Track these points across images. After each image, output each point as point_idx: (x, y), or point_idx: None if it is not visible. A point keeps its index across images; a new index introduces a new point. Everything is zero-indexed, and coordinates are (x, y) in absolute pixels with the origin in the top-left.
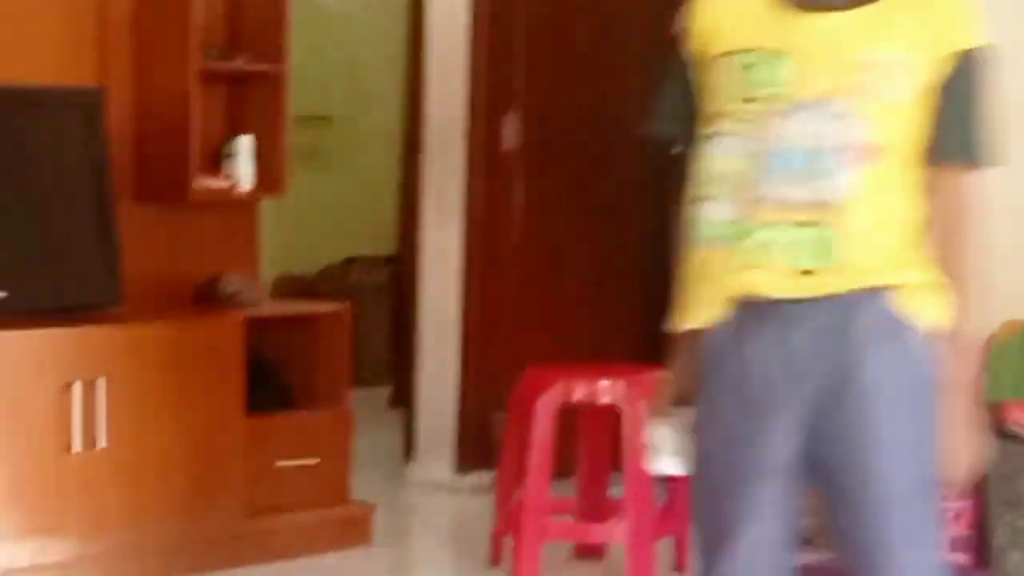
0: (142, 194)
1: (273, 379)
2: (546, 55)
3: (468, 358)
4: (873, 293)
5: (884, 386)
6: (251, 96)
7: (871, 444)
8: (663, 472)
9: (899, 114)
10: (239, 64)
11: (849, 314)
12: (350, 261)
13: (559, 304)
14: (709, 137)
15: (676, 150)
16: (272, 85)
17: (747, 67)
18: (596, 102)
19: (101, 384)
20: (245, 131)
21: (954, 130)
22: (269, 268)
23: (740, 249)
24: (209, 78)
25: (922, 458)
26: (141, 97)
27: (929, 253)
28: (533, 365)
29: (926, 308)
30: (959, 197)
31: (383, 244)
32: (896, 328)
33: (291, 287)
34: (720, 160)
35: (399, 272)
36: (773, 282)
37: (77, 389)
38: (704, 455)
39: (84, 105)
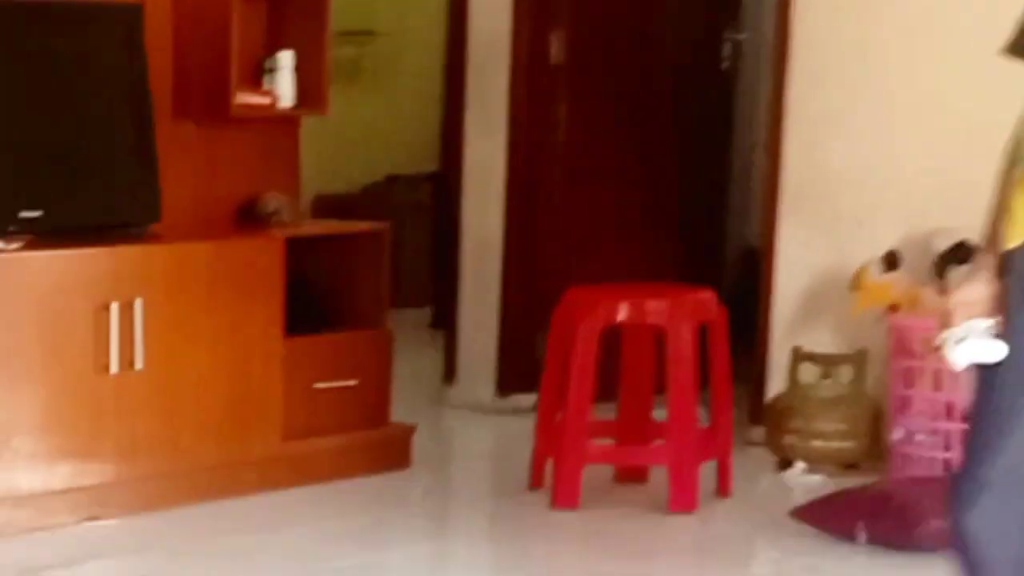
0: (181, 111)
1: (313, 299)
2: None
3: (510, 279)
4: None
5: None
6: (292, 10)
7: None
8: (970, 357)
9: None
10: None
11: None
12: (392, 179)
13: (602, 224)
14: None
15: None
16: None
17: None
18: (641, 19)
19: (138, 305)
20: (286, 46)
21: None
22: (310, 186)
23: None
24: None
25: None
26: (181, 12)
27: None
28: (575, 286)
29: None
30: None
31: (426, 162)
32: None
33: (332, 206)
34: None
35: (441, 190)
36: None
37: (114, 309)
38: (1007, 361)
39: (123, 21)
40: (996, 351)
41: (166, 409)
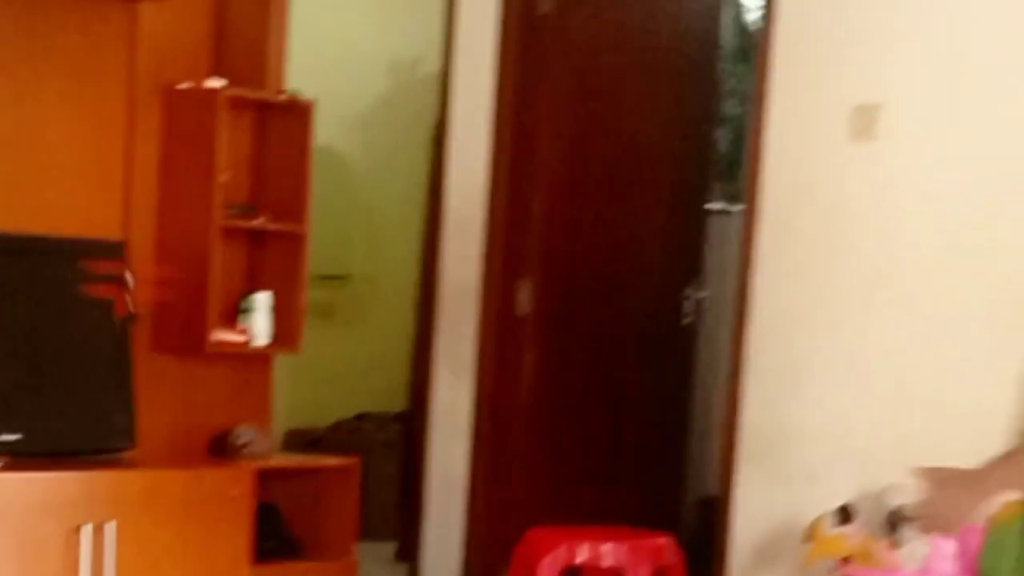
0: (160, 344)
1: (281, 529)
2: (562, 222)
3: (474, 517)
4: None
5: None
6: (270, 253)
7: None
8: None
9: None
10: (260, 222)
11: None
12: (361, 417)
13: (566, 467)
14: None
15: None
16: (291, 244)
17: None
18: (610, 270)
19: (111, 528)
20: (263, 287)
21: None
22: (283, 421)
23: None
24: (230, 234)
25: None
26: (163, 249)
27: None
28: (538, 525)
29: None
30: None
31: (394, 401)
32: None
33: (303, 440)
34: None
35: (409, 429)
36: None
37: (86, 532)
38: None
39: (107, 257)
40: None
41: None
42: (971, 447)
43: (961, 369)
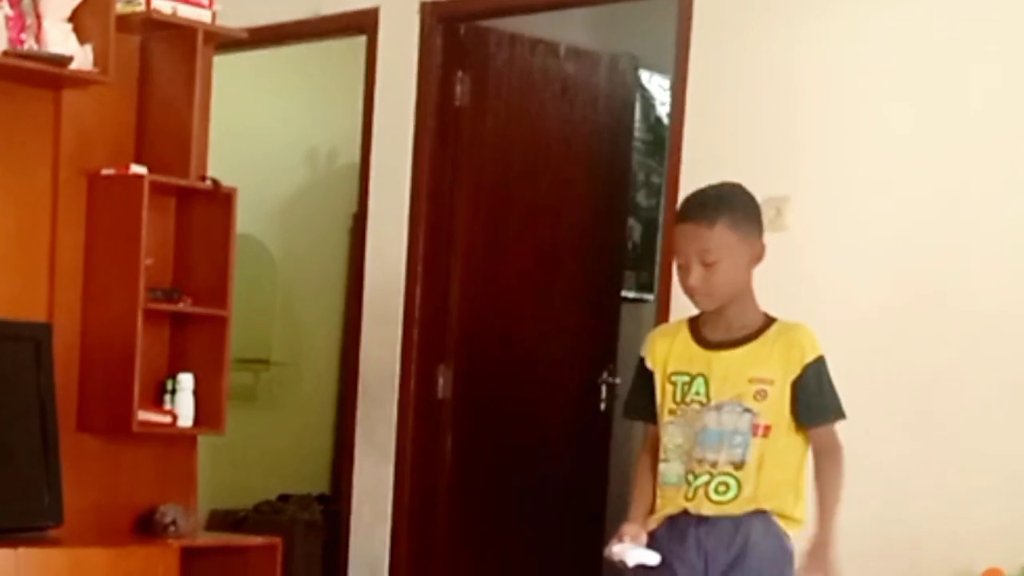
0: (85, 424)
1: None
2: (480, 308)
3: None
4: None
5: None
6: (192, 336)
7: None
8: (637, 560)
9: (778, 405)
10: (183, 306)
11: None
12: (284, 498)
13: (490, 549)
14: (664, 423)
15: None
16: (214, 327)
17: (683, 384)
18: (528, 356)
19: None
20: (186, 368)
21: (815, 403)
22: (207, 501)
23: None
24: (154, 317)
25: None
26: (88, 331)
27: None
28: None
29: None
30: (827, 441)
31: (317, 482)
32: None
33: (227, 520)
34: (671, 437)
35: (331, 510)
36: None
37: None
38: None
39: (33, 338)
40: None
41: None
42: None
43: (878, 460)
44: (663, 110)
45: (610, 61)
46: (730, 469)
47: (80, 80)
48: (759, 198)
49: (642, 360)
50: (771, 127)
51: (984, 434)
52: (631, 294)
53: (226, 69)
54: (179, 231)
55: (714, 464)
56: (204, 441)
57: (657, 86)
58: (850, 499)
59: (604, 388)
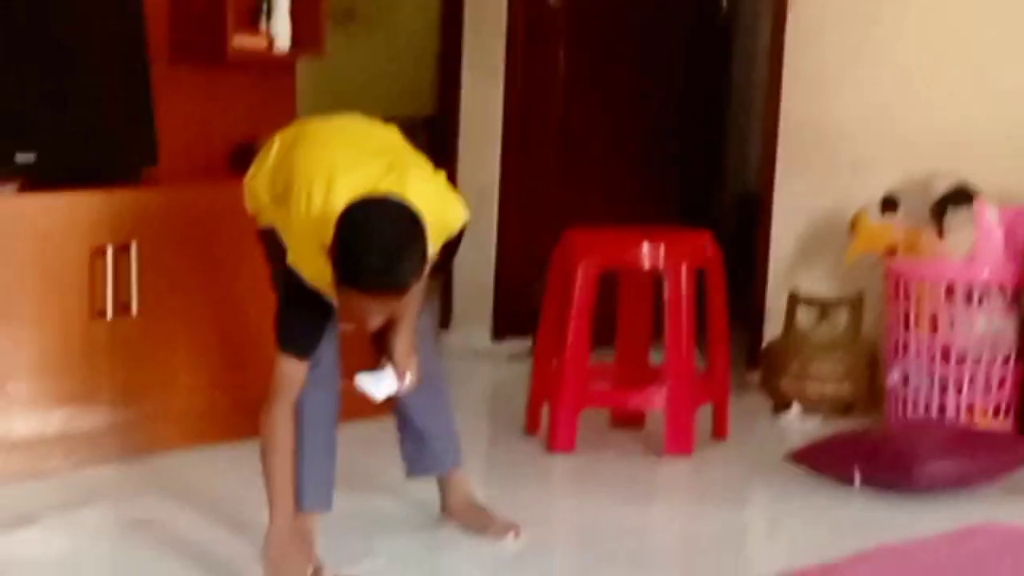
0: (178, 54)
1: None
2: None
3: (506, 223)
4: None
5: None
6: None
7: None
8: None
9: None
10: None
11: None
12: (388, 121)
13: (600, 167)
14: None
15: None
16: None
17: None
18: None
19: (134, 248)
20: None
21: None
22: None
23: None
24: None
25: None
26: None
27: None
28: (572, 229)
29: None
30: None
31: (422, 105)
32: None
33: None
34: None
35: (438, 133)
36: None
37: (109, 253)
38: None
39: None
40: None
41: (161, 353)
42: (1016, 130)
43: (1000, 52)
44: None
45: None
46: None
47: None
48: None
49: None
50: None
51: None
52: None
53: None
54: None
55: None
56: (302, 67)
57: None
58: None
59: None
